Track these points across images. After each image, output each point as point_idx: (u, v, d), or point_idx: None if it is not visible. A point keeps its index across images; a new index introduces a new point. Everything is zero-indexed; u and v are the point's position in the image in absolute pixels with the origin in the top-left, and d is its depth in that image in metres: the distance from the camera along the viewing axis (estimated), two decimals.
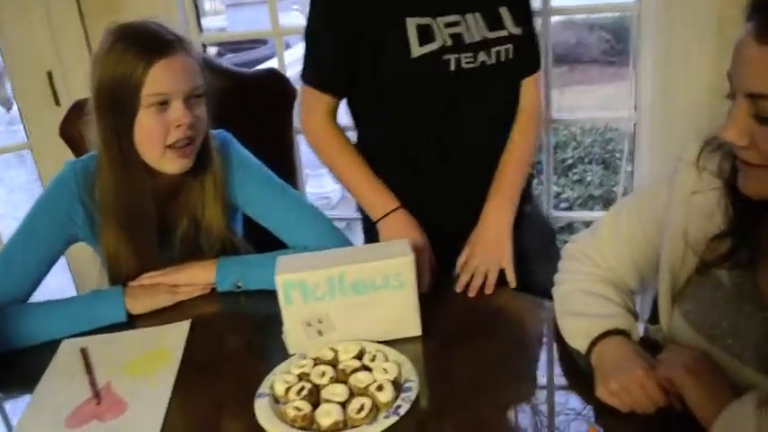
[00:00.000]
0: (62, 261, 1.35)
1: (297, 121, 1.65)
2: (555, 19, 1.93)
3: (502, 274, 1.26)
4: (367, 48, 1.24)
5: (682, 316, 0.94)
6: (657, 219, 0.97)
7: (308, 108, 1.34)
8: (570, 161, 4.04)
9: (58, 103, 2.07)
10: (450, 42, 1.23)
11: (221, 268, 1.26)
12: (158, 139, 1.18)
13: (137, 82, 1.14)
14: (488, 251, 1.26)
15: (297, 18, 4.69)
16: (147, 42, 1.15)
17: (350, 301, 1.05)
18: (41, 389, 1.07)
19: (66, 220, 1.25)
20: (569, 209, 3.94)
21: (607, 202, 3.62)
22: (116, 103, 1.16)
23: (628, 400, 0.85)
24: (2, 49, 2.07)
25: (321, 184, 4.03)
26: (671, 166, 0.97)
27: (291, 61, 2.02)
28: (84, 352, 1.14)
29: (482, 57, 1.26)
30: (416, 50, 1.22)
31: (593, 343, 0.94)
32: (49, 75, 2.05)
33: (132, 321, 1.22)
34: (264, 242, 1.32)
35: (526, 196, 1.41)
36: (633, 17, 1.81)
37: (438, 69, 1.23)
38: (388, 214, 1.30)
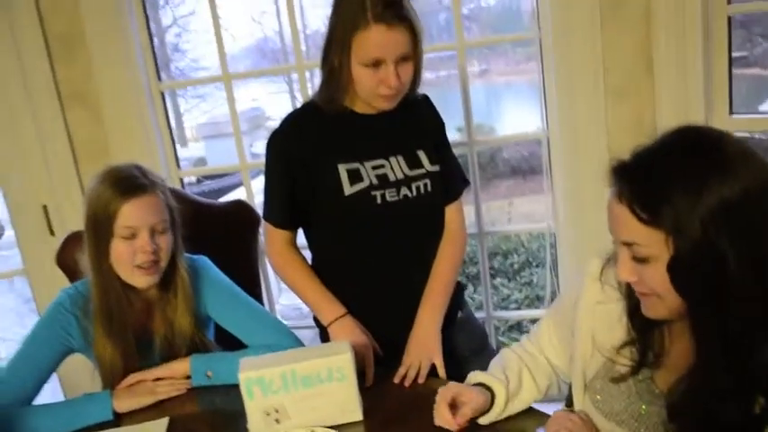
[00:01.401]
0: None
1: (262, 243, 1.91)
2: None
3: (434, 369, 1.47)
4: (308, 189, 1.51)
5: (592, 404, 1.10)
6: (569, 323, 1.17)
7: (270, 240, 1.60)
8: (517, 265, 4.33)
9: (52, 233, 2.30)
10: (376, 181, 1.50)
11: (194, 362, 1.48)
12: (128, 261, 1.43)
13: (112, 215, 1.40)
14: (420, 349, 1.48)
15: None
16: (123, 184, 1.42)
17: (301, 393, 1.25)
18: None
19: (63, 334, 1.47)
20: (518, 308, 4.21)
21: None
22: (97, 231, 1.43)
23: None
24: (2, 181, 2.32)
25: (294, 297, 4.24)
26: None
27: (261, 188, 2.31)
28: None
29: (404, 191, 1.52)
30: (348, 190, 1.49)
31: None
32: (45, 208, 2.30)
33: (118, 420, 1.41)
34: (233, 345, 1.54)
35: (458, 303, 1.64)
36: (543, 142, 2.14)
37: (367, 203, 1.50)
38: (336, 320, 1.52)
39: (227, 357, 1.47)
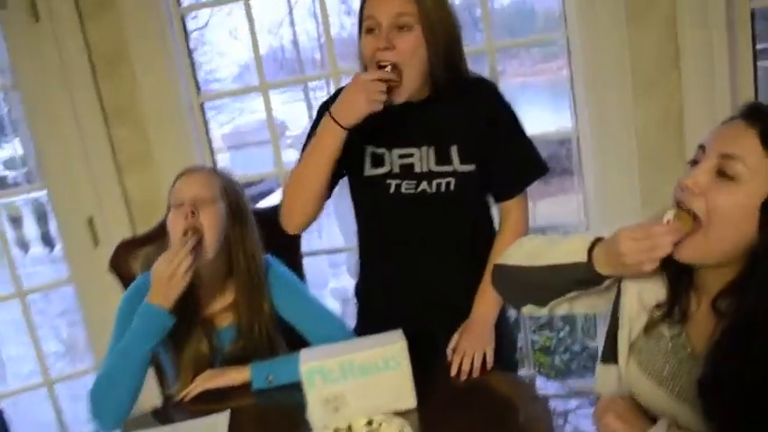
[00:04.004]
0: None
1: (303, 246, 2.03)
2: None
3: None
4: (346, 160, 1.54)
5: (636, 363, 1.15)
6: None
7: None
8: None
9: (97, 243, 2.44)
10: (397, 170, 1.57)
11: (254, 369, 1.58)
12: (174, 228, 1.56)
13: (170, 192, 1.62)
14: (475, 338, 1.57)
15: (292, 155, 5.20)
16: (183, 170, 1.66)
17: (358, 381, 1.36)
18: None
19: None
20: None
21: None
22: (166, 213, 1.62)
23: (647, 243, 1.00)
24: (49, 196, 2.46)
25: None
26: None
27: None
28: None
29: (423, 185, 1.56)
30: (368, 171, 1.59)
31: (591, 249, 1.08)
32: (90, 219, 2.43)
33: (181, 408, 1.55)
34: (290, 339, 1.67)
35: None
36: (573, 140, 2.24)
37: (380, 189, 1.59)
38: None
39: (285, 359, 1.57)
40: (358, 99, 1.42)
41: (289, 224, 1.62)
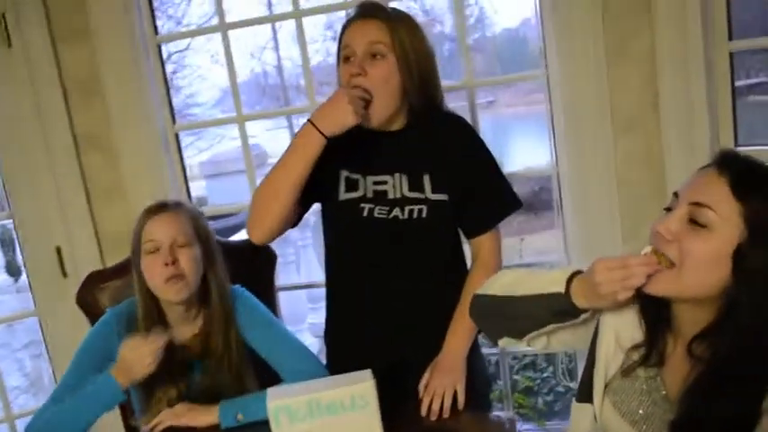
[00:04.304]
0: None
1: (281, 280, 2.00)
2: None
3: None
4: (320, 184, 1.60)
5: (610, 403, 1.17)
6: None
7: None
8: None
9: (65, 275, 2.39)
10: (371, 195, 1.61)
11: (222, 409, 1.56)
12: (155, 275, 1.57)
13: (140, 234, 1.60)
14: (445, 375, 1.56)
15: None
16: (151, 207, 1.64)
17: (325, 420, 1.32)
18: None
19: (107, 352, 1.58)
20: None
21: None
22: (133, 253, 1.62)
23: (621, 272, 1.03)
24: (15, 223, 2.43)
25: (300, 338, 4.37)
26: None
27: None
28: None
29: (396, 212, 1.60)
30: (342, 196, 1.63)
31: (569, 281, 1.11)
32: (58, 249, 2.39)
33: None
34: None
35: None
36: (553, 177, 2.25)
37: (353, 213, 1.62)
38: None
39: (254, 397, 1.54)
40: (342, 106, 1.47)
41: (255, 232, 1.61)
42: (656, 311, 1.12)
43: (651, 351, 1.13)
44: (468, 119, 2.26)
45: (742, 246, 0.99)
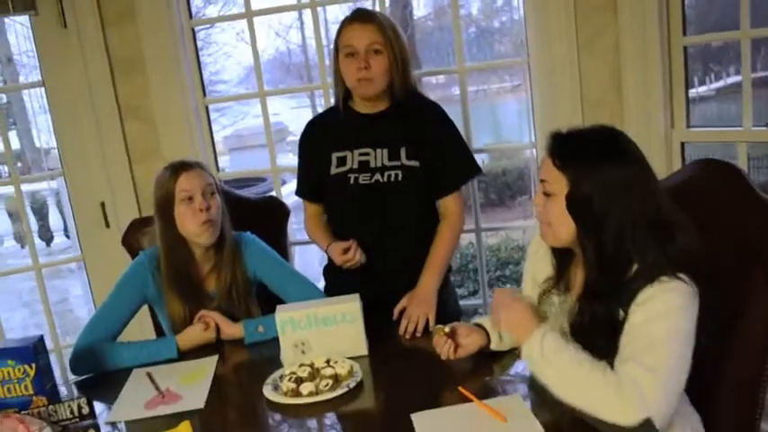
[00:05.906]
0: None
1: (290, 234, 2.46)
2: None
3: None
4: (315, 172, 2.14)
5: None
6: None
7: (304, 212, 2.27)
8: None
9: (107, 226, 2.88)
10: (356, 166, 2.10)
11: (246, 324, 1.99)
12: (192, 221, 1.96)
13: (172, 187, 1.97)
14: (419, 304, 1.99)
15: (291, 159, 5.65)
16: (178, 164, 2.02)
17: (321, 330, 1.79)
18: (124, 393, 1.77)
19: (141, 287, 2.02)
20: None
21: None
22: (163, 205, 1.99)
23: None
24: (67, 182, 2.91)
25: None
26: None
27: (287, 193, 2.89)
28: (149, 374, 1.86)
29: (377, 177, 2.09)
30: (333, 170, 2.13)
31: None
32: (102, 204, 2.88)
33: (180, 359, 1.96)
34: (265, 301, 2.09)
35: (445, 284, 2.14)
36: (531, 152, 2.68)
37: (343, 182, 2.12)
38: (328, 245, 2.14)
39: (269, 317, 1.93)
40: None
41: None
42: (561, 254, 1.55)
43: (559, 280, 1.57)
44: (454, 105, 2.73)
45: (567, 195, 1.40)
